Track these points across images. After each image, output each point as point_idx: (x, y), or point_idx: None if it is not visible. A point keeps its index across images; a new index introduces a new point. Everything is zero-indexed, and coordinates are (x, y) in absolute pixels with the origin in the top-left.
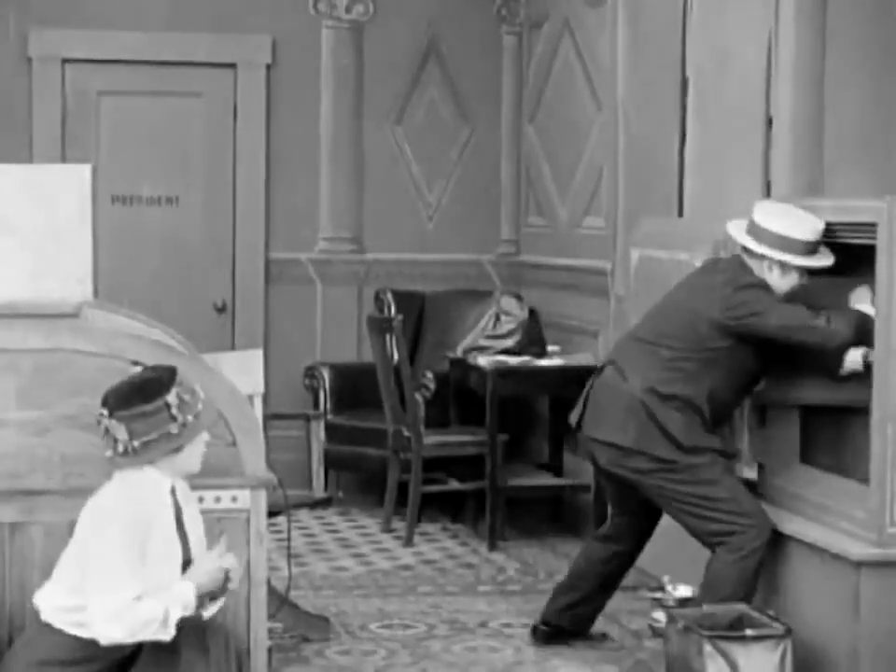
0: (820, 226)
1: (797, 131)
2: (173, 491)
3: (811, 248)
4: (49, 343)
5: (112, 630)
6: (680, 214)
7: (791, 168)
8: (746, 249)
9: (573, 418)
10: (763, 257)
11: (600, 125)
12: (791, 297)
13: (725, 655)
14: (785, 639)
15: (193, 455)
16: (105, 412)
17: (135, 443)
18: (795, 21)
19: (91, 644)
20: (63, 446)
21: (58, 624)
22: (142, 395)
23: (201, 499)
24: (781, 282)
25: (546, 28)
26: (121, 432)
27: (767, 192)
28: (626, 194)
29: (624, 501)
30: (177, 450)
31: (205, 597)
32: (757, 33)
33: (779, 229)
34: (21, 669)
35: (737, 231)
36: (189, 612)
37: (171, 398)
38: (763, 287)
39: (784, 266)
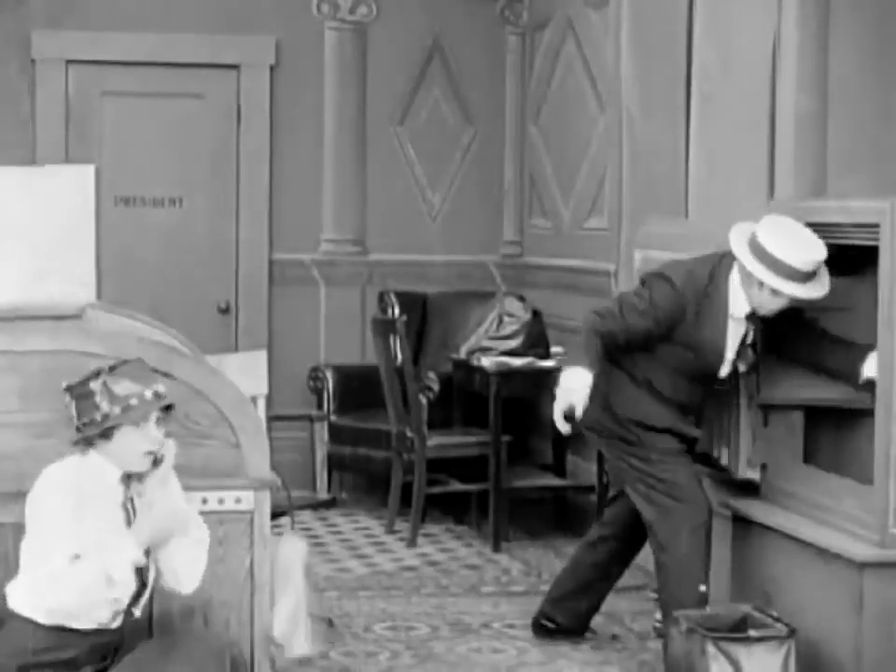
0: (821, 255)
1: (801, 132)
2: (124, 480)
3: (805, 277)
4: (53, 345)
5: (57, 596)
6: (684, 215)
7: (795, 169)
8: (740, 263)
9: None
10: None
11: (603, 126)
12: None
13: (728, 656)
14: (788, 641)
15: (128, 447)
16: (65, 388)
17: (78, 423)
18: (799, 23)
19: (60, 631)
20: (67, 448)
21: (21, 612)
22: (83, 379)
23: (204, 500)
24: (769, 301)
25: (549, 29)
26: (72, 409)
27: (771, 193)
28: (630, 195)
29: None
30: (105, 436)
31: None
32: (761, 34)
33: (778, 252)
34: (1, 662)
35: (738, 240)
36: (139, 564)
37: (95, 385)
38: (670, 286)
39: (775, 290)
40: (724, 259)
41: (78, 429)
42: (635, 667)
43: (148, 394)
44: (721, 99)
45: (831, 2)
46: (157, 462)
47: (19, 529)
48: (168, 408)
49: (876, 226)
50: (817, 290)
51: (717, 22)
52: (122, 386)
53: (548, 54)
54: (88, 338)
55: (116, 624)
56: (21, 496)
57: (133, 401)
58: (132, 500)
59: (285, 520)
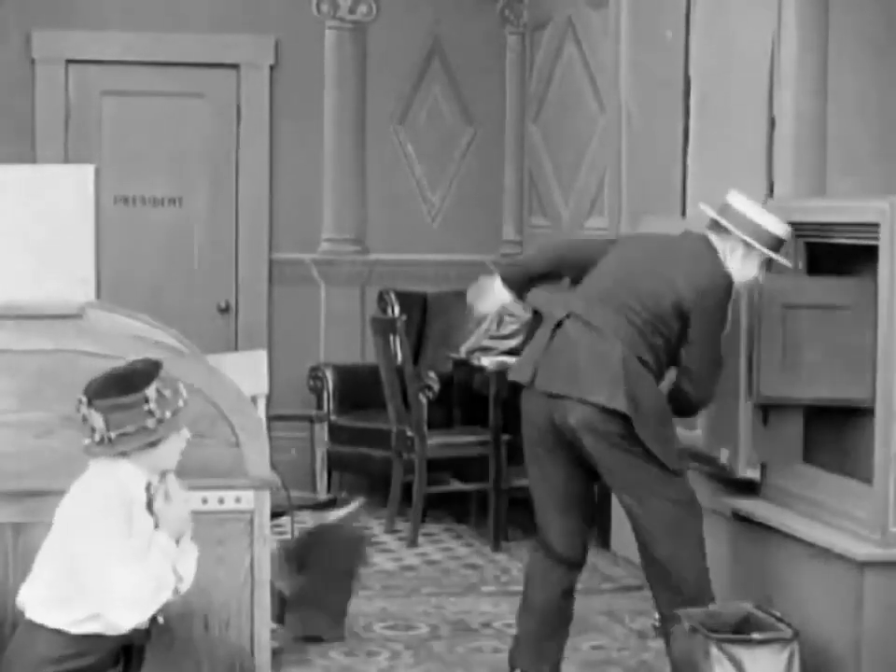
0: (788, 229)
1: (800, 131)
2: (148, 487)
3: (777, 245)
4: (52, 344)
5: (130, 617)
6: (683, 214)
7: (794, 169)
8: (715, 226)
9: (524, 375)
10: (729, 236)
11: (603, 125)
12: (793, 297)
13: (732, 659)
14: (792, 643)
15: (170, 451)
16: (84, 399)
17: (111, 434)
18: (798, 22)
19: (84, 638)
20: (66, 447)
21: (46, 622)
22: (121, 386)
23: (204, 500)
24: (741, 267)
25: (549, 29)
26: (98, 421)
27: (770, 193)
28: (629, 194)
29: (571, 481)
30: (153, 444)
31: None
32: (760, 33)
33: (754, 216)
34: (18, 671)
35: (710, 211)
36: (175, 561)
37: (150, 392)
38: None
39: (748, 251)
40: (700, 236)
41: (110, 440)
42: (635, 667)
43: (185, 395)
44: (720, 99)
45: (830, 2)
46: None
47: (19, 529)
48: None
49: (876, 226)
50: (785, 259)
51: (716, 21)
52: (169, 390)
53: (548, 54)
54: (88, 338)
55: (142, 627)
56: (20, 495)
57: (181, 403)
58: (151, 504)
59: (285, 520)
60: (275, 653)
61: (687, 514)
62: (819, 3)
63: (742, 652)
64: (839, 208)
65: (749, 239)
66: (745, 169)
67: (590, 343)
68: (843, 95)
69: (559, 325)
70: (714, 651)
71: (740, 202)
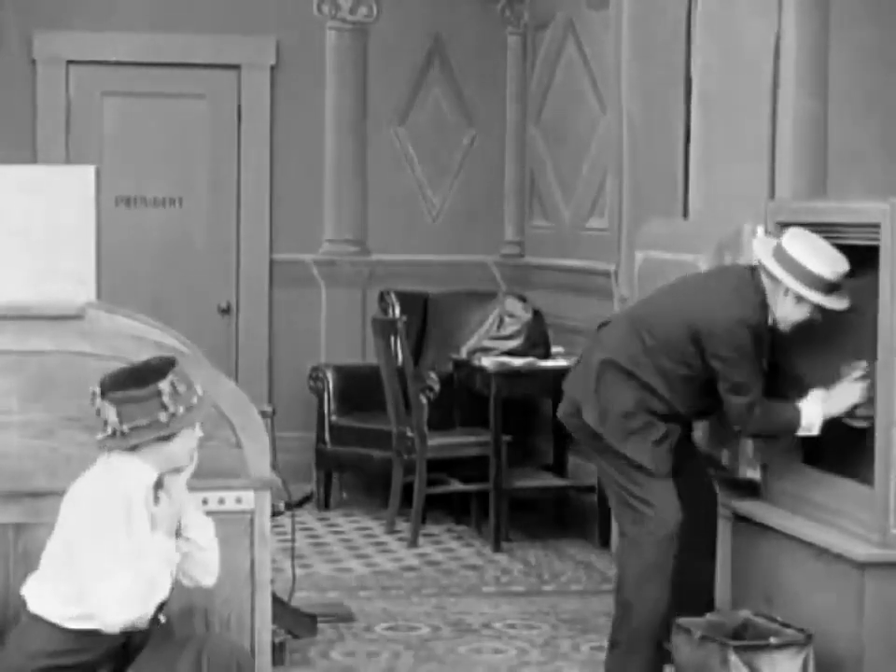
0: (844, 268)
1: (801, 132)
2: (156, 484)
3: (830, 287)
4: (53, 345)
5: (121, 617)
6: (685, 215)
7: (795, 169)
8: (766, 270)
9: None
10: (780, 282)
11: (604, 126)
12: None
13: (750, 665)
14: (807, 647)
15: (182, 448)
16: (98, 392)
17: (124, 427)
18: (799, 23)
19: (82, 634)
20: (67, 447)
21: (48, 617)
22: (135, 379)
23: (205, 501)
24: (793, 310)
25: (550, 30)
26: (112, 414)
27: (772, 194)
28: (630, 195)
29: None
30: (165, 439)
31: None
32: (762, 34)
33: (804, 260)
34: (14, 662)
35: (763, 249)
36: (176, 557)
37: (163, 385)
38: (756, 331)
39: (800, 298)
40: (755, 273)
41: (122, 434)
42: None
43: (200, 391)
44: (722, 99)
45: (831, 2)
46: None
47: (19, 529)
48: None
49: (876, 226)
50: (838, 303)
51: (717, 22)
52: (184, 386)
53: (548, 54)
54: (88, 338)
55: (141, 627)
56: (21, 495)
57: (195, 400)
58: (156, 501)
59: (284, 519)
60: (280, 648)
61: (645, 534)
62: (820, 3)
63: (761, 658)
64: (840, 209)
65: (799, 291)
66: (746, 170)
67: (588, 350)
68: (844, 96)
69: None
70: (733, 658)
71: (793, 242)
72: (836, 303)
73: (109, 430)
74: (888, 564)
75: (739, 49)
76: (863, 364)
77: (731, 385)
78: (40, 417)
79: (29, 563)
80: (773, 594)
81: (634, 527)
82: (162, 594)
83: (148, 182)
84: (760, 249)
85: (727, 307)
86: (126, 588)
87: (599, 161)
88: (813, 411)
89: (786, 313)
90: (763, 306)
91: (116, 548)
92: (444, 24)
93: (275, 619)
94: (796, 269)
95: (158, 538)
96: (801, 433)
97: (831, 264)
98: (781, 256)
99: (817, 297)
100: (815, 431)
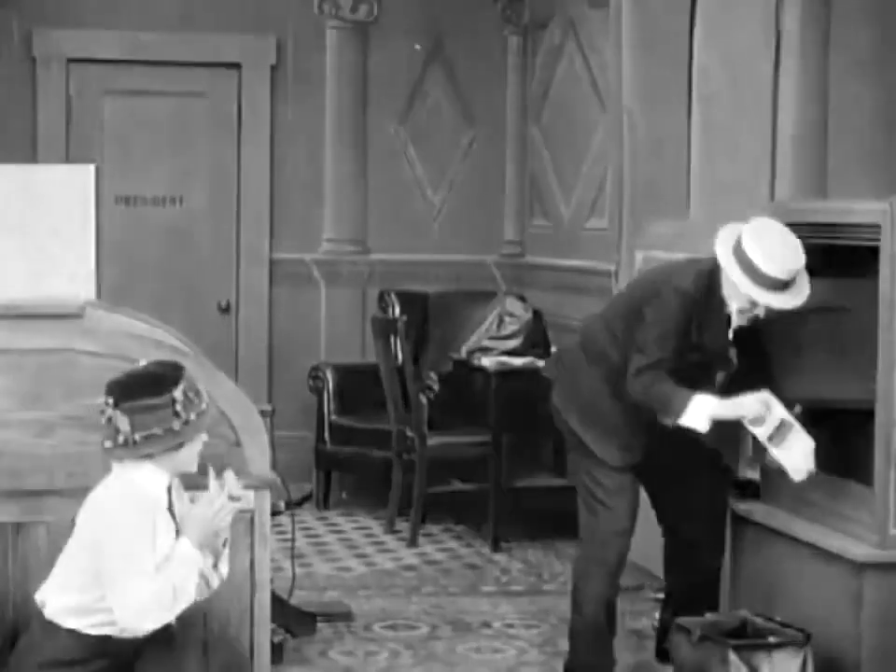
0: (798, 264)
1: (802, 133)
2: (169, 489)
3: (781, 285)
4: (53, 344)
5: (147, 624)
6: (685, 215)
7: (796, 170)
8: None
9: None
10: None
11: (604, 126)
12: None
13: (749, 664)
14: (806, 646)
15: (192, 453)
16: (111, 401)
17: (137, 436)
18: (800, 24)
19: (97, 642)
20: (67, 446)
21: (64, 624)
22: (149, 388)
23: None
24: (748, 308)
25: (550, 29)
26: (124, 423)
27: (772, 194)
28: (630, 195)
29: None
30: (178, 447)
31: (210, 546)
32: (763, 35)
33: (756, 258)
34: (28, 670)
35: (725, 246)
36: (202, 566)
37: (177, 394)
38: (685, 303)
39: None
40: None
41: (134, 442)
42: (635, 667)
43: (207, 397)
44: (722, 99)
45: (832, 3)
46: None
47: (19, 529)
48: None
49: (877, 226)
50: (794, 299)
51: (718, 23)
52: (193, 392)
53: (548, 54)
54: (88, 337)
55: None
56: (20, 495)
57: (204, 406)
58: (172, 506)
59: (284, 519)
60: (279, 647)
61: (595, 529)
62: (821, 4)
63: (760, 658)
64: (840, 209)
65: (748, 292)
66: (747, 170)
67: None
68: (844, 98)
69: None
70: (732, 657)
71: (750, 238)
72: (789, 301)
73: (121, 439)
74: (887, 564)
75: (739, 49)
76: (798, 409)
77: (639, 342)
78: (39, 416)
79: (28, 562)
80: (772, 594)
81: (586, 520)
82: (187, 600)
83: (148, 181)
84: (721, 245)
85: (671, 274)
86: (152, 595)
87: (599, 161)
88: (703, 406)
89: (742, 308)
90: (710, 290)
91: (143, 557)
92: (444, 24)
93: (275, 617)
94: (748, 266)
95: (182, 544)
96: (684, 422)
97: (782, 263)
98: (739, 254)
99: (766, 297)
100: (700, 427)
